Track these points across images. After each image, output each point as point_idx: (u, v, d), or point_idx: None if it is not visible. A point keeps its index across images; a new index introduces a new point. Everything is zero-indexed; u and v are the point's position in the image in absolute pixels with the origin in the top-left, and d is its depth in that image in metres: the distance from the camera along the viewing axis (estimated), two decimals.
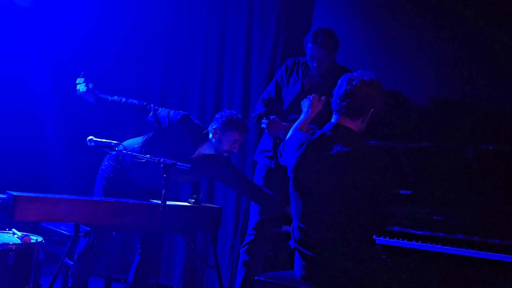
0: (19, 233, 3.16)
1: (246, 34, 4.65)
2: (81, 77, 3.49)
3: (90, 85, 3.47)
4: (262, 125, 3.68)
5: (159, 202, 2.94)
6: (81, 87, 3.46)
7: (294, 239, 2.63)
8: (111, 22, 5.44)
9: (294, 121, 3.02)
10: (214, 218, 3.58)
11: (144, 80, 5.28)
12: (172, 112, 3.49)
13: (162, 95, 5.15)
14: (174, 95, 5.09)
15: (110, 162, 3.57)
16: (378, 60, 4.01)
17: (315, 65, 3.66)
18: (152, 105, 3.53)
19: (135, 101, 3.53)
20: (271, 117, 3.63)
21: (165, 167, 2.91)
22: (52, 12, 5.35)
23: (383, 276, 2.52)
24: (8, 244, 2.92)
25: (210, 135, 3.49)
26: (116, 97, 3.51)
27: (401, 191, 3.30)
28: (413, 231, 3.18)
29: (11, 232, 3.23)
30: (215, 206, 3.84)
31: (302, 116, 2.98)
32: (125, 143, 3.44)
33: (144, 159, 3.14)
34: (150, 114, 3.49)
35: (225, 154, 3.47)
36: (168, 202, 2.96)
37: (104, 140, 3.14)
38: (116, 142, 3.18)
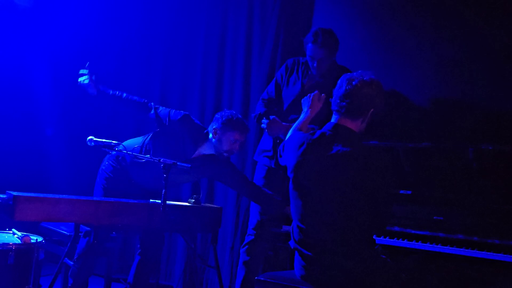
0: (19, 233, 3.16)
1: (246, 34, 4.65)
2: (86, 68, 3.47)
3: (93, 77, 3.46)
4: (262, 125, 3.68)
5: (159, 202, 2.95)
6: (84, 78, 3.45)
7: (294, 239, 2.63)
8: (111, 22, 5.44)
9: (294, 121, 3.02)
10: (214, 218, 3.58)
11: (144, 80, 5.28)
12: (172, 111, 3.49)
13: (162, 95, 5.15)
14: (174, 95, 5.09)
15: (110, 162, 3.57)
16: (378, 60, 4.00)
17: (315, 65, 3.66)
18: (152, 103, 3.53)
19: (136, 97, 3.53)
20: (271, 117, 3.62)
21: (165, 167, 2.91)
22: (52, 12, 5.35)
23: (383, 276, 2.52)
24: (8, 244, 2.92)
25: (210, 135, 3.49)
26: (117, 92, 3.50)
27: (401, 191, 3.30)
28: (413, 231, 3.18)
29: (11, 232, 3.23)
30: (215, 206, 3.84)
31: (302, 116, 2.97)
32: (125, 143, 3.44)
33: (144, 159, 3.14)
34: (151, 112, 3.49)
35: (225, 154, 3.47)
36: (168, 202, 2.96)
37: (104, 140, 3.14)
38: (116, 142, 3.18)
